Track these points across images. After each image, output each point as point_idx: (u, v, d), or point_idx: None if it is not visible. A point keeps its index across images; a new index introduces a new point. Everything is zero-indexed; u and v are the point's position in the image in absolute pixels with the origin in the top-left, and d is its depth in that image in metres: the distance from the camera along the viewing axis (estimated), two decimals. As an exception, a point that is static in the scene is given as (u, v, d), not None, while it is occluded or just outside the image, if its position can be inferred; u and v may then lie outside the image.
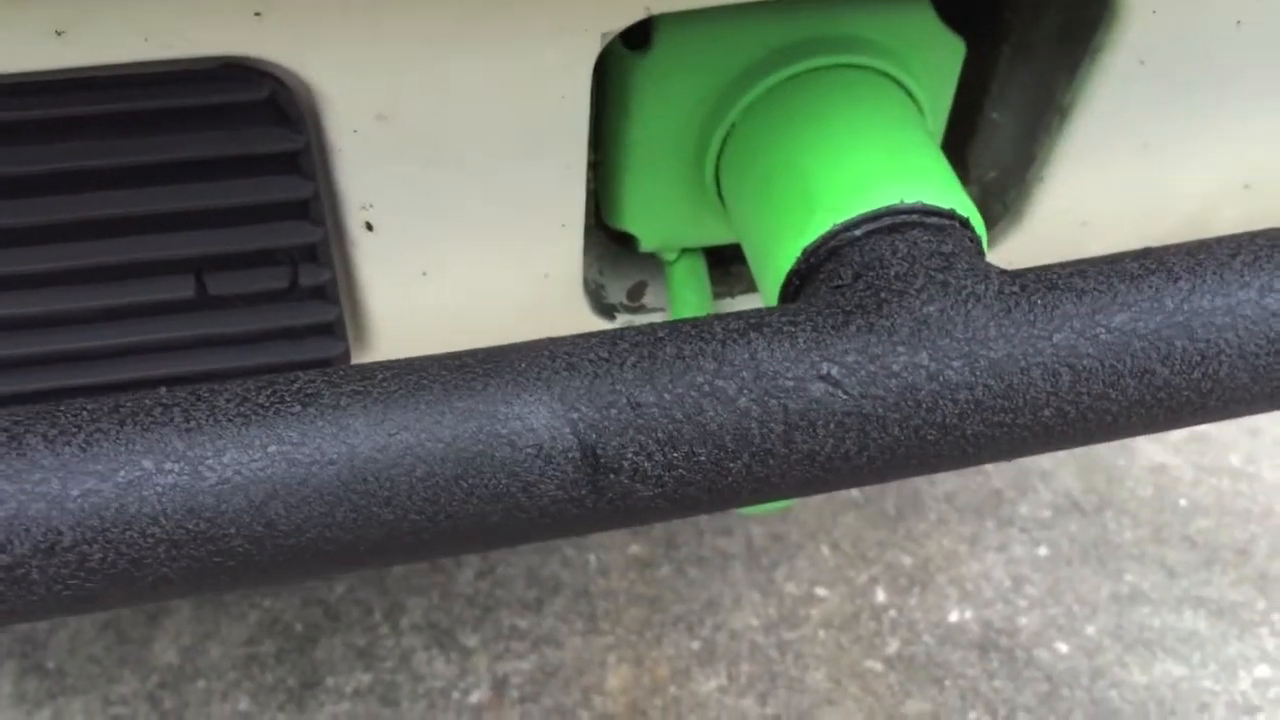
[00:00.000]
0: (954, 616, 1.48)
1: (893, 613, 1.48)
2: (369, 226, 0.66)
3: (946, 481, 1.64)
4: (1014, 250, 0.81)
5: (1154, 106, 0.73)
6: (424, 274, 0.70)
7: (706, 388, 0.52)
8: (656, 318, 0.82)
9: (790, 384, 0.52)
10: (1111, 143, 0.74)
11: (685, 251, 0.81)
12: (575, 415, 0.51)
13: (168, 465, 0.47)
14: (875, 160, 0.62)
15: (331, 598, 1.48)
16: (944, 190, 0.61)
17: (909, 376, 0.53)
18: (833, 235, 0.59)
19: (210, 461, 0.48)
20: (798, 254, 0.60)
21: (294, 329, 0.68)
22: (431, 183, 0.65)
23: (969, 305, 0.54)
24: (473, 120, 0.62)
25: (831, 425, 0.52)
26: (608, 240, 0.82)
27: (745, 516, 1.57)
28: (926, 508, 1.61)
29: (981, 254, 0.60)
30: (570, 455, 0.50)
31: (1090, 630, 1.46)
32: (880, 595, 1.50)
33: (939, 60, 0.72)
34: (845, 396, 0.52)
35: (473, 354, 0.53)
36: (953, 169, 0.65)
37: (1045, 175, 0.76)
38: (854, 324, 0.54)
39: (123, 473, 0.47)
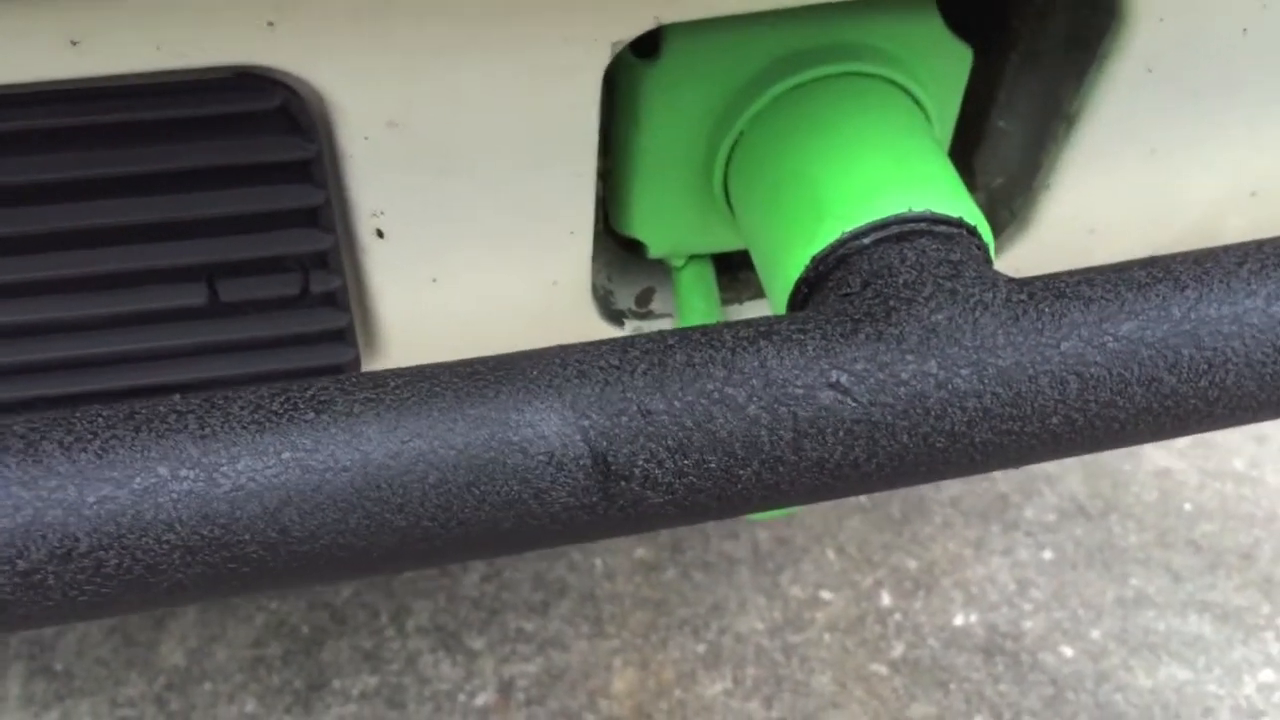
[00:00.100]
0: (959, 620, 1.48)
1: (898, 616, 1.48)
2: (380, 234, 0.67)
3: (951, 485, 1.64)
4: (1021, 257, 0.81)
5: (1161, 114, 0.73)
6: (434, 280, 0.70)
7: (716, 395, 0.52)
8: (664, 323, 0.83)
9: (800, 391, 0.52)
10: (1118, 150, 0.75)
11: (693, 258, 0.81)
12: (586, 422, 0.51)
13: (183, 472, 0.48)
14: (883, 168, 0.62)
15: (338, 601, 1.48)
16: (952, 198, 0.61)
17: (918, 384, 0.53)
18: (841, 243, 0.59)
19: (225, 468, 0.48)
20: (806, 262, 0.60)
21: (305, 335, 0.68)
22: (442, 190, 0.65)
23: (977, 313, 0.55)
24: (483, 128, 0.62)
25: (840, 433, 0.52)
26: (616, 246, 0.82)
27: (750, 521, 1.57)
28: (931, 512, 1.61)
29: (989, 262, 0.60)
30: (581, 462, 0.51)
31: (1095, 634, 1.47)
32: (885, 599, 1.50)
33: (946, 68, 0.72)
34: (854, 404, 0.53)
35: (484, 361, 0.53)
36: (960, 177, 0.65)
37: (1052, 183, 0.77)
38: (863, 332, 0.54)
39: (138, 479, 0.47)
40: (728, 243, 0.79)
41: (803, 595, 1.50)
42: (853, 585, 1.51)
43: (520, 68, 0.59)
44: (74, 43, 0.53)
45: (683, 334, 0.54)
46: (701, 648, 1.44)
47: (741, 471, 0.52)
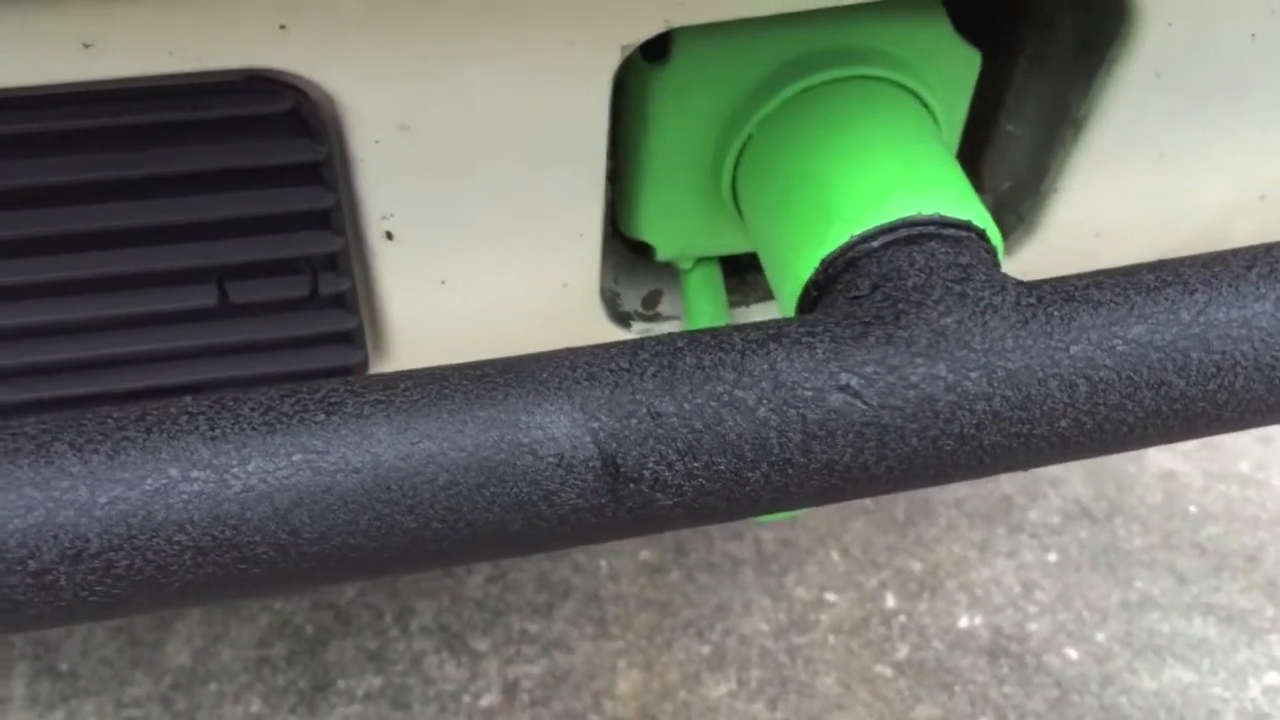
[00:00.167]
0: (964, 622, 1.48)
1: (902, 618, 1.48)
2: (389, 236, 0.67)
3: (957, 487, 1.64)
4: (1029, 261, 0.81)
5: (1169, 118, 0.73)
6: (443, 283, 0.71)
7: (726, 398, 0.52)
8: (671, 326, 0.83)
9: (809, 394, 0.52)
10: (1126, 154, 0.75)
11: (701, 260, 0.81)
12: (596, 425, 0.51)
13: (193, 473, 0.48)
14: (892, 171, 0.63)
15: (342, 601, 1.49)
16: (960, 202, 0.61)
17: (927, 387, 0.53)
18: (850, 246, 0.59)
19: (235, 469, 0.48)
20: (816, 265, 0.61)
21: (314, 337, 0.69)
22: (452, 193, 0.65)
23: (986, 316, 0.55)
24: (493, 131, 0.62)
25: (850, 435, 0.53)
26: (623, 249, 0.82)
27: (756, 523, 1.57)
28: (936, 513, 1.61)
29: (998, 265, 0.61)
30: (591, 464, 0.51)
31: (1100, 636, 1.47)
32: (890, 601, 1.50)
33: (955, 72, 0.72)
34: (864, 407, 0.53)
35: (494, 363, 0.53)
36: (968, 180, 0.65)
37: (1060, 186, 0.77)
38: (872, 335, 0.54)
39: (149, 480, 0.48)
40: (736, 245, 0.79)
41: (807, 597, 1.50)
42: (857, 587, 1.51)
43: (530, 71, 0.60)
44: (86, 45, 0.53)
45: (692, 336, 0.54)
46: (706, 649, 1.44)
47: (751, 474, 0.52)
